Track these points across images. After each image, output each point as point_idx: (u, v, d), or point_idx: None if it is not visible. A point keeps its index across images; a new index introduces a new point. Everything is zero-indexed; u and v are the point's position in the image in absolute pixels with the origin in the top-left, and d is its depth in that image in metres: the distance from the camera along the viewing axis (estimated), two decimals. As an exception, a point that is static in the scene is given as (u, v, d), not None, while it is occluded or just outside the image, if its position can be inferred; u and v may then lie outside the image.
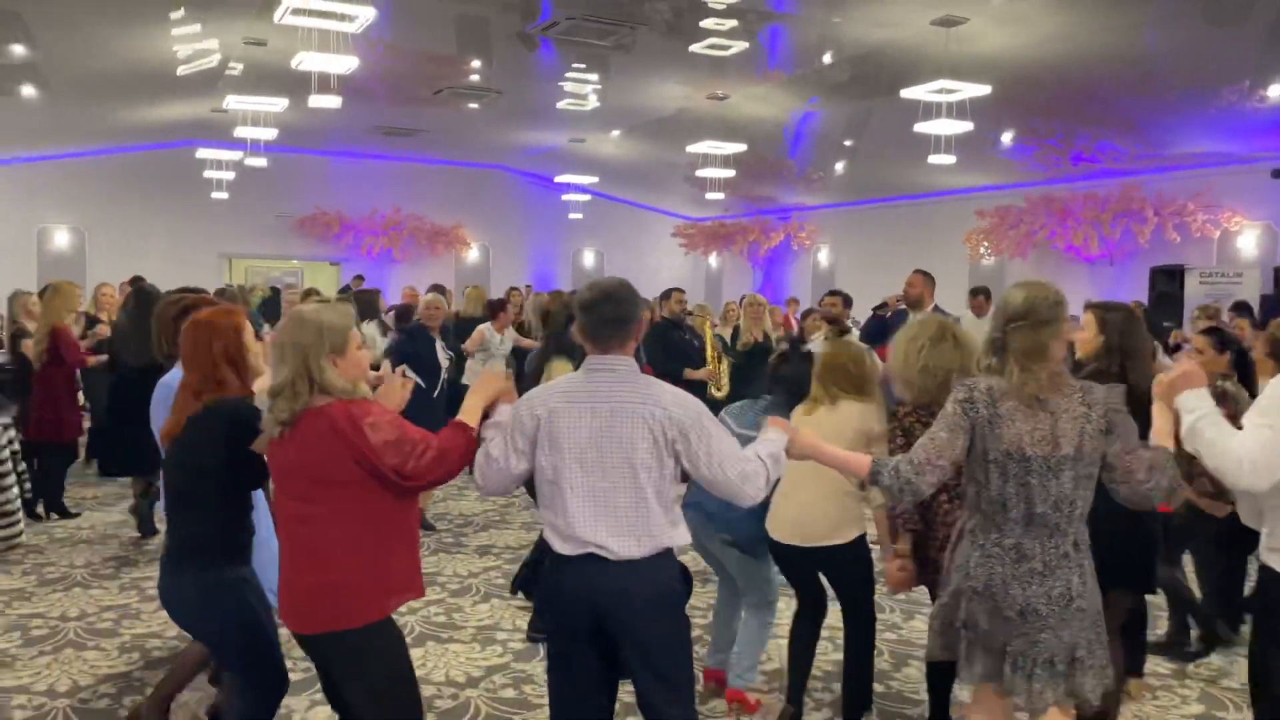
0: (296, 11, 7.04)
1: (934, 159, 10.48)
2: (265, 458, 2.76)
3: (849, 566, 3.80)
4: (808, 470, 3.31)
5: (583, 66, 10.86)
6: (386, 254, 18.19)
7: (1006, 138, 12.07)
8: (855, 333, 8.12)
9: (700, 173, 13.67)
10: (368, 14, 7.19)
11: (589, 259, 20.27)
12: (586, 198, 18.19)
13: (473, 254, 19.18)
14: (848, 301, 8.22)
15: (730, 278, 19.92)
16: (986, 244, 14.46)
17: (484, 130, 15.07)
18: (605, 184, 18.03)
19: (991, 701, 2.84)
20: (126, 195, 16.51)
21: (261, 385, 2.87)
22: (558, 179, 17.42)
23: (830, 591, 3.94)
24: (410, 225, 18.36)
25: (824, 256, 18.28)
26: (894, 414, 3.59)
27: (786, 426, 2.92)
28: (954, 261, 14.57)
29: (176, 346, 3.71)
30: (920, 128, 9.51)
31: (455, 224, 18.73)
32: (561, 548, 2.72)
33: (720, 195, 15.12)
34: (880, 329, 7.78)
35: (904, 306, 7.73)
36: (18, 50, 9.80)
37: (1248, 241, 11.97)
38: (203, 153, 14.57)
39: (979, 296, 9.53)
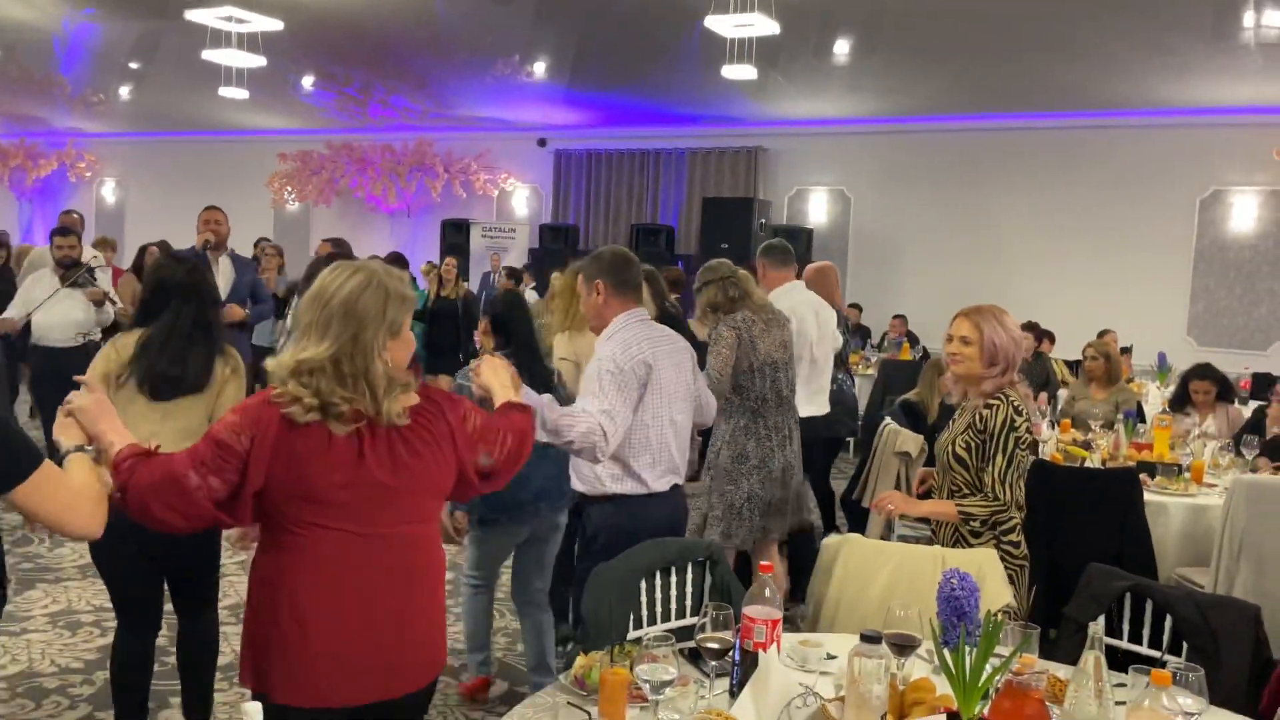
0: None
1: (225, 92, 9.87)
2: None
3: None
4: None
5: None
6: None
7: (307, 82, 11.84)
8: None
9: (-71, 76, 11.04)
10: None
11: None
12: None
13: None
14: None
15: (-13, 209, 16.62)
16: (290, 188, 14.19)
17: None
18: None
19: (771, 547, 3.98)
20: None
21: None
22: None
23: None
24: None
25: (110, 191, 16.26)
26: None
27: None
28: (257, 204, 14.04)
29: None
30: (209, 55, 8.82)
31: None
32: (656, 484, 2.93)
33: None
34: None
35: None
36: None
37: (520, 201, 13.54)
38: None
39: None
